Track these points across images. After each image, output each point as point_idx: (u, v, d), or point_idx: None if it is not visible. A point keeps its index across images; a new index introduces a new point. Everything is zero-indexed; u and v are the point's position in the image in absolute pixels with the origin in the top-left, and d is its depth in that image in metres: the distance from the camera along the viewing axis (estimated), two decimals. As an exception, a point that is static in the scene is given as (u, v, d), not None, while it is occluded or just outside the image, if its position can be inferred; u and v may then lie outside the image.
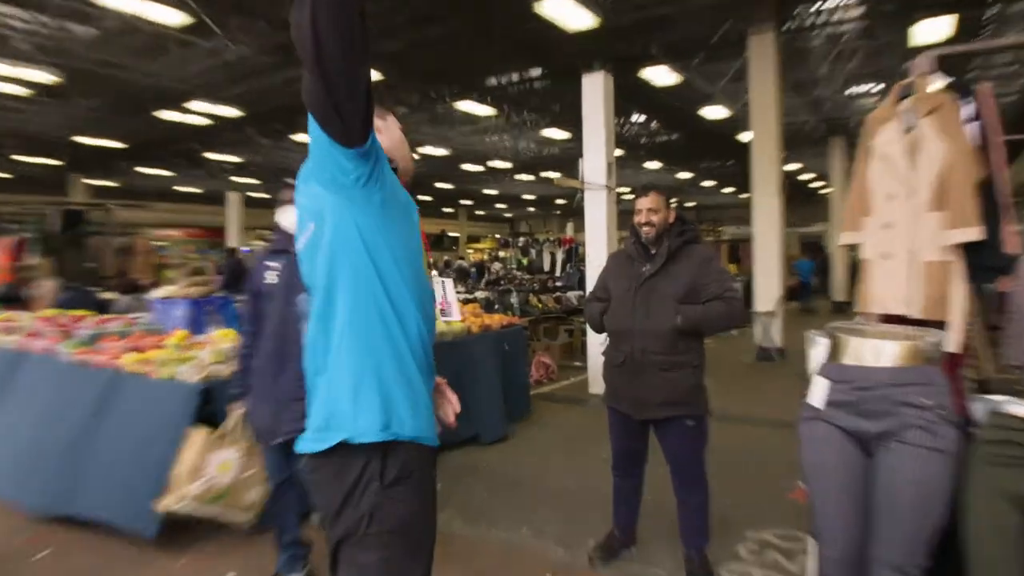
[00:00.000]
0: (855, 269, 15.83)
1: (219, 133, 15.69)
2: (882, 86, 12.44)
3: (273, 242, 3.15)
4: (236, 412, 3.23)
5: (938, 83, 2.70)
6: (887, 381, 1.97)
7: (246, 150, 18.13)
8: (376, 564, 1.55)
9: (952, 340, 2.31)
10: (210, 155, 18.25)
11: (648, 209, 3.16)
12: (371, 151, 1.45)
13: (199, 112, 12.90)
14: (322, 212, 1.53)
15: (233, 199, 23.30)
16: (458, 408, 1.77)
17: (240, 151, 18.20)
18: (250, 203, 26.88)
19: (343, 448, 1.55)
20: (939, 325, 2.58)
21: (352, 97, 1.32)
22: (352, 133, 1.38)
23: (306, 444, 1.60)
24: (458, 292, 10.87)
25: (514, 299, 10.49)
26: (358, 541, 1.55)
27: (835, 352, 2.12)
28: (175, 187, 25.42)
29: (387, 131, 1.73)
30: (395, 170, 1.69)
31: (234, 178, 22.89)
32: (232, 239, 22.68)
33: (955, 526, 1.94)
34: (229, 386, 3.34)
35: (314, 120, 1.40)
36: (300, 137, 16.01)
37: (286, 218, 3.03)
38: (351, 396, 1.55)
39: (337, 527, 1.58)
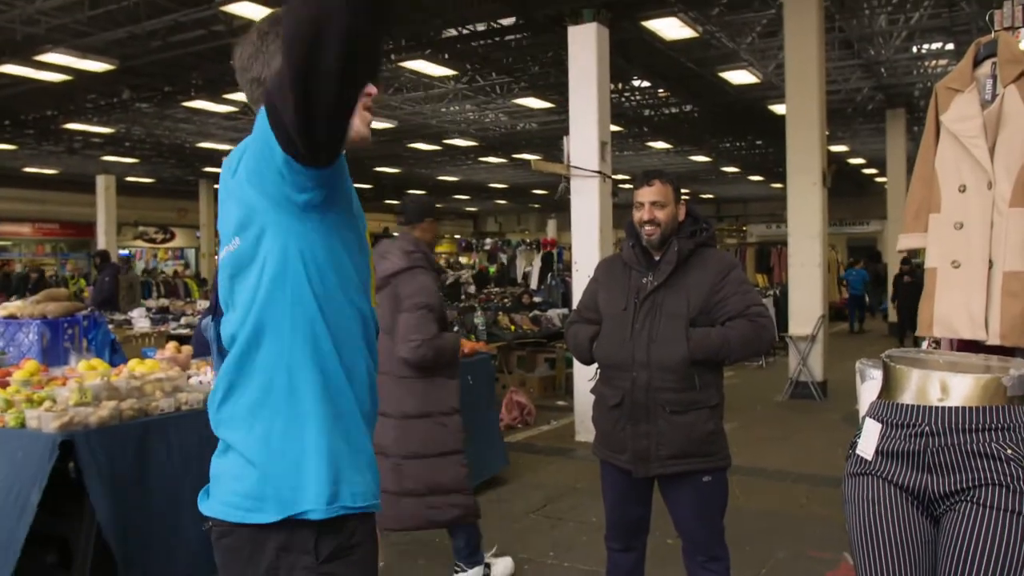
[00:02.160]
0: (900, 282, 15.96)
1: (83, 95, 15.51)
2: (955, 45, 12.74)
3: None
4: None
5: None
6: (957, 425, 2.01)
7: (120, 119, 17.94)
8: None
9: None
10: (72, 125, 18.02)
11: (652, 203, 3.18)
12: (338, 166, 1.49)
13: (56, 66, 12.75)
14: (255, 227, 1.56)
15: (104, 184, 22.98)
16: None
17: (112, 120, 18.00)
18: (127, 189, 26.60)
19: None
20: (1024, 353, 2.65)
21: (333, 116, 1.31)
22: (319, 156, 1.40)
23: (229, 511, 1.62)
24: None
25: (479, 319, 10.51)
26: None
27: (890, 388, 2.16)
28: (24, 168, 24.99)
29: None
30: None
31: (106, 157, 22.61)
32: (103, 238, 22.36)
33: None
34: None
35: (271, 126, 1.40)
36: (195, 104, 15.93)
37: None
38: (295, 459, 1.59)
39: None
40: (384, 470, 3.66)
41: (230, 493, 1.63)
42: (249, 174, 1.54)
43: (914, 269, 14.37)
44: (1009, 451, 1.97)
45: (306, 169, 1.42)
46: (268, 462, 1.60)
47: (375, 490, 1.69)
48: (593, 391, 3.37)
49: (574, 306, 3.85)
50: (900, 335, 15.11)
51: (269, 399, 1.61)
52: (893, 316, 18.02)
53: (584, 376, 7.16)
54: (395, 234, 3.59)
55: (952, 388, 2.06)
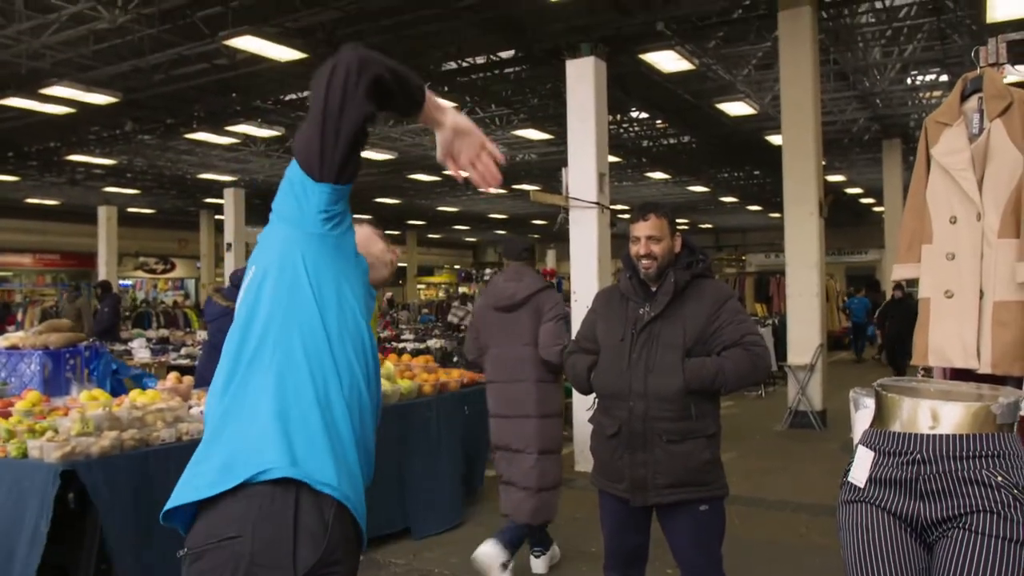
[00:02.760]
0: (887, 312, 15.61)
1: (87, 127, 15.64)
2: (949, 77, 12.88)
3: None
4: None
5: (1015, 75, 2.85)
6: (948, 453, 2.04)
7: (123, 150, 18.07)
8: None
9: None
10: (75, 156, 18.14)
11: (648, 237, 3.22)
12: (341, 198, 1.77)
13: (60, 98, 12.89)
14: (270, 247, 1.79)
15: (106, 215, 23.07)
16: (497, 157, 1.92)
17: (115, 151, 18.13)
18: (129, 220, 26.72)
19: (240, 508, 1.58)
20: (1017, 382, 2.68)
21: (338, 132, 1.69)
22: (327, 166, 1.71)
23: (194, 492, 1.63)
24: (408, 341, 10.86)
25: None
26: None
27: (883, 416, 2.19)
28: (26, 199, 25.11)
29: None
30: None
31: (108, 188, 22.74)
32: (104, 268, 22.41)
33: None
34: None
35: (295, 157, 1.76)
36: (196, 136, 16.05)
37: None
38: (259, 434, 1.64)
39: None
40: (524, 468, 4.58)
41: (198, 476, 1.66)
42: (272, 213, 1.81)
43: (906, 296, 14.33)
44: (1000, 478, 2.00)
45: (318, 185, 1.72)
46: (236, 438, 1.65)
47: (353, 494, 1.69)
48: (591, 420, 3.40)
49: (572, 336, 3.97)
50: (891, 361, 14.73)
51: (243, 381, 1.69)
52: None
53: (583, 406, 7.17)
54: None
55: (943, 416, 2.09)
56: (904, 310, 14.01)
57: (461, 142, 1.88)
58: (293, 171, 1.77)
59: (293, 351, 1.69)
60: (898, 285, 14.44)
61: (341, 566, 1.62)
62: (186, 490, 1.66)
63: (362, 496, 1.73)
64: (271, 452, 1.61)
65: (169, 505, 1.67)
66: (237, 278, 6.52)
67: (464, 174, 1.93)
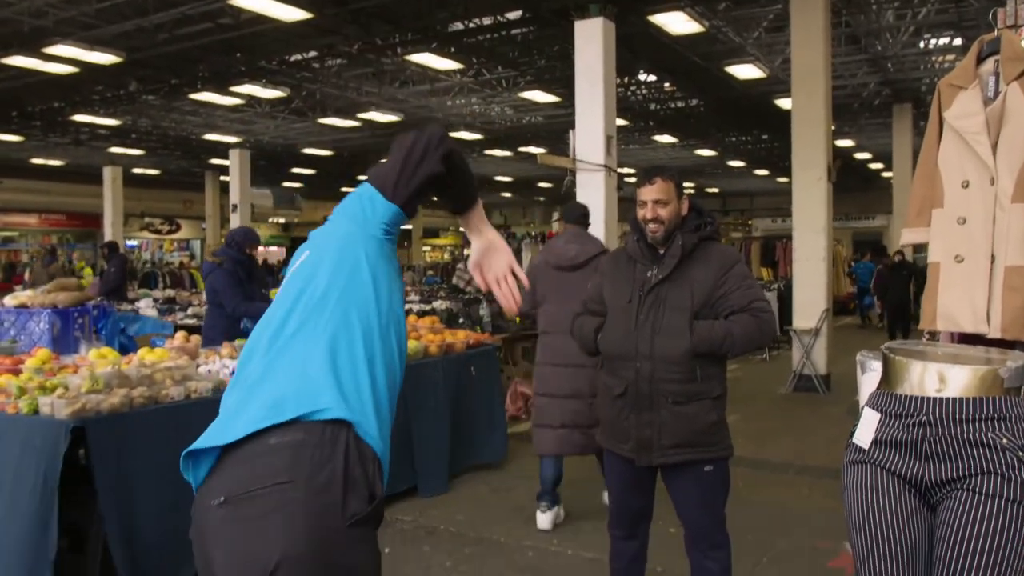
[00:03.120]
0: (884, 277, 15.57)
1: (90, 87, 15.57)
2: (963, 40, 12.74)
3: None
4: None
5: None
6: (954, 415, 2.05)
7: (127, 110, 18.00)
8: None
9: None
10: (79, 116, 18.08)
11: (654, 201, 3.22)
12: (399, 223, 2.00)
13: (63, 58, 12.82)
14: (329, 238, 1.98)
15: (111, 176, 23.04)
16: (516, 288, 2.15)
17: (119, 112, 18.06)
18: (134, 181, 26.68)
19: (289, 455, 1.61)
20: (1024, 347, 2.69)
21: (415, 172, 1.97)
22: (398, 192, 1.97)
23: (249, 425, 1.67)
24: (414, 303, 10.89)
25: (484, 310, 10.54)
26: None
27: (890, 379, 2.20)
28: (31, 159, 25.08)
29: None
30: None
31: (113, 148, 22.69)
32: (110, 229, 22.44)
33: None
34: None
35: (369, 182, 2.02)
36: (201, 96, 15.97)
37: None
38: (311, 382, 1.72)
39: None
40: (581, 409, 4.85)
41: (238, 422, 1.70)
42: (334, 215, 2.04)
43: (905, 262, 14.29)
44: (1005, 440, 2.02)
45: (386, 202, 1.96)
46: (287, 382, 1.73)
47: (385, 457, 1.78)
48: (598, 381, 3.42)
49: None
50: (891, 328, 14.63)
51: (301, 339, 1.79)
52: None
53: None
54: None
55: (950, 379, 2.11)
56: (903, 277, 13.98)
57: (493, 257, 2.13)
58: (364, 187, 2.02)
59: (348, 316, 1.81)
60: (898, 251, 14.42)
61: (376, 523, 1.70)
62: (224, 432, 1.70)
63: (388, 455, 1.82)
64: (325, 395, 1.70)
65: (200, 445, 1.72)
66: (230, 238, 6.51)
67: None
